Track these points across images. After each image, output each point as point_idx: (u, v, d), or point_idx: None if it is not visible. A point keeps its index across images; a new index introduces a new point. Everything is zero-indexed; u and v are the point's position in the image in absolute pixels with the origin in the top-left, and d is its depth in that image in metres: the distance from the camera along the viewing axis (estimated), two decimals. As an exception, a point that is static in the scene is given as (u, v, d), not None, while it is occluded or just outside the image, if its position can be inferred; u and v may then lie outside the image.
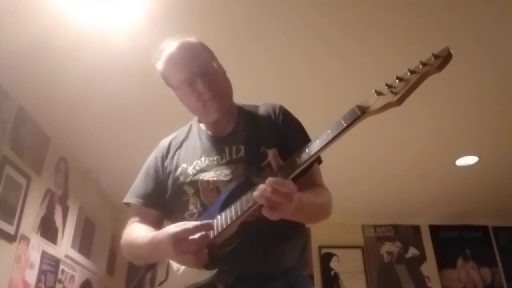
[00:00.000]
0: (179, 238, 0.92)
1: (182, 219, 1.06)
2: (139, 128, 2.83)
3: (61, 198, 3.05)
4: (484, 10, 2.00)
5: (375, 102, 0.82)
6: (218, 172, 1.11)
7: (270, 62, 2.33)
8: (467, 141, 3.15)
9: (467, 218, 4.57)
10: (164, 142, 1.31)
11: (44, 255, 2.75)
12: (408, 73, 0.80)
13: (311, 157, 0.88)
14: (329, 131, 0.86)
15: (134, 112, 2.69)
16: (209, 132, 1.24)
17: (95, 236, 3.80)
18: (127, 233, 1.18)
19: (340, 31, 2.13)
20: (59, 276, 2.96)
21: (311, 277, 4.24)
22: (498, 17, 2.04)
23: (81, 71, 2.30)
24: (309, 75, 2.44)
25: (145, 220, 1.19)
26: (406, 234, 4.62)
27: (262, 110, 1.25)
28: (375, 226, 4.62)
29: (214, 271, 0.93)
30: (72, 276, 3.18)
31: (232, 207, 0.96)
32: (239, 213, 0.93)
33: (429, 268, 4.44)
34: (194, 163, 1.16)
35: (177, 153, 1.24)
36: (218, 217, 0.97)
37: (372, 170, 3.54)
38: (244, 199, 0.94)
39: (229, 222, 0.94)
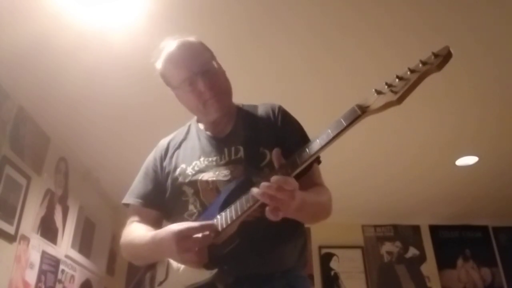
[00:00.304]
0: (183, 236, 0.93)
1: (182, 219, 1.06)
2: (139, 128, 2.83)
3: (61, 198, 3.05)
4: (484, 10, 2.00)
5: (375, 101, 0.82)
6: (217, 172, 1.11)
7: (270, 62, 2.33)
8: (467, 141, 3.15)
9: (467, 218, 4.57)
10: (163, 142, 1.31)
11: (44, 255, 2.75)
12: (408, 72, 0.80)
13: (311, 156, 0.88)
14: (329, 131, 0.86)
15: (134, 112, 2.69)
16: (208, 133, 1.24)
17: (95, 236, 3.81)
18: (127, 233, 1.18)
19: (340, 31, 2.13)
20: (59, 276, 2.96)
21: (311, 277, 4.24)
22: (498, 17, 2.04)
23: (81, 71, 2.30)
24: (309, 74, 2.44)
25: (144, 220, 1.19)
26: (406, 234, 4.62)
27: (261, 110, 1.24)
28: (375, 226, 4.62)
29: (214, 271, 0.93)
30: (72, 276, 3.18)
31: (232, 207, 0.96)
32: (239, 213, 0.93)
33: (429, 268, 4.44)
34: (193, 164, 1.16)
35: (176, 153, 1.24)
36: (218, 217, 0.97)
37: (372, 170, 3.54)
38: (244, 199, 0.94)
39: (229, 222, 0.94)
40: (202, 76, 1.14)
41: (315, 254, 4.39)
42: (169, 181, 1.19)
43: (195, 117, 1.32)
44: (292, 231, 1.11)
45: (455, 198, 4.09)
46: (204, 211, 1.06)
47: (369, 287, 4.30)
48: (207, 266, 0.94)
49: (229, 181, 1.08)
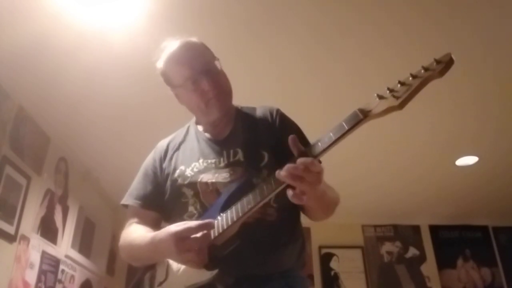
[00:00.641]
0: (181, 236, 0.93)
1: (181, 220, 1.06)
2: (139, 128, 2.83)
3: (61, 198, 3.05)
4: (484, 10, 2.00)
5: (377, 105, 0.83)
6: (216, 174, 1.11)
7: (270, 62, 2.33)
8: (467, 141, 3.15)
9: (467, 218, 4.57)
10: (162, 144, 1.31)
11: (44, 255, 2.75)
12: (410, 78, 0.81)
13: (314, 158, 0.88)
14: (331, 134, 0.86)
15: (134, 112, 2.69)
16: (207, 135, 1.24)
17: (95, 236, 3.81)
18: (126, 234, 1.18)
19: (340, 32, 2.13)
20: (59, 276, 2.96)
21: (311, 277, 4.24)
22: (498, 18, 2.04)
23: (81, 71, 2.30)
24: (309, 75, 2.44)
25: (143, 221, 1.19)
26: (406, 234, 4.62)
27: (259, 113, 1.25)
28: (375, 226, 4.62)
29: (215, 271, 0.93)
30: (72, 276, 3.18)
31: (233, 208, 0.96)
32: (240, 214, 0.93)
33: (429, 268, 4.44)
34: (192, 165, 1.16)
35: (175, 155, 1.24)
36: (219, 218, 0.97)
37: (372, 170, 3.54)
38: (245, 200, 0.94)
39: (230, 223, 0.94)
40: (205, 75, 1.14)
41: (315, 254, 4.40)
42: (169, 182, 1.19)
43: (193, 119, 1.32)
44: (291, 232, 1.11)
45: (455, 198, 4.09)
46: (204, 213, 1.06)
47: (369, 287, 4.30)
48: (208, 267, 0.94)
49: (228, 183, 1.08)
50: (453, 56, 0.79)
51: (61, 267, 2.99)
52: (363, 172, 3.56)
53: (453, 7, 1.99)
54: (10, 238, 2.37)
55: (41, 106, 2.60)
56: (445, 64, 0.78)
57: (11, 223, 2.39)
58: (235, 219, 0.94)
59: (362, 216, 4.46)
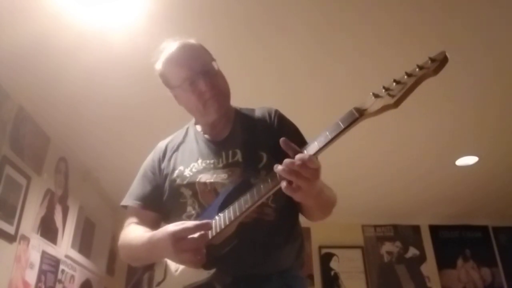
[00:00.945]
0: (178, 237, 0.93)
1: (180, 220, 1.06)
2: (139, 128, 2.83)
3: (61, 198, 3.05)
4: (484, 11, 2.00)
5: (372, 104, 0.84)
6: (215, 175, 1.12)
7: (269, 62, 2.33)
8: (467, 141, 3.15)
9: (467, 218, 4.57)
10: (161, 145, 1.32)
11: (44, 255, 2.75)
12: (405, 76, 0.82)
13: (311, 155, 0.88)
14: (327, 133, 0.87)
15: (134, 112, 2.70)
16: (206, 136, 1.25)
17: (95, 236, 3.81)
18: (124, 234, 1.19)
19: (340, 32, 2.13)
20: (59, 276, 2.96)
21: (311, 277, 4.25)
22: (498, 18, 2.04)
23: (81, 71, 2.30)
24: (308, 75, 2.44)
25: (142, 222, 1.20)
26: (406, 234, 4.62)
27: (258, 114, 1.26)
28: (375, 226, 4.62)
29: (212, 270, 0.94)
30: (72, 276, 3.18)
31: (231, 208, 0.96)
32: (238, 214, 0.94)
33: (429, 268, 4.44)
34: (191, 166, 1.17)
35: (174, 156, 1.24)
36: (217, 217, 0.98)
37: (372, 170, 3.54)
38: (242, 199, 0.95)
39: (227, 222, 0.95)
40: (203, 76, 1.15)
41: (315, 254, 4.40)
42: (167, 183, 1.19)
43: (193, 120, 1.33)
44: (290, 232, 1.11)
45: (455, 198, 4.09)
46: (202, 212, 1.07)
47: (369, 287, 4.30)
48: (206, 266, 0.94)
49: (227, 183, 1.08)
50: (447, 54, 0.79)
51: (61, 267, 3.00)
52: (363, 172, 3.56)
53: (453, 8, 1.99)
54: (10, 238, 2.37)
55: (41, 106, 2.60)
56: (439, 62, 0.79)
57: (11, 223, 2.39)
58: (232, 218, 0.94)
59: (362, 216, 4.46)
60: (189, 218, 1.09)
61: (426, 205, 4.27)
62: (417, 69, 0.81)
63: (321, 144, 0.87)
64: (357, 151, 3.16)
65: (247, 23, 2.08)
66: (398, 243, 4.57)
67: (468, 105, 2.72)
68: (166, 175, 1.21)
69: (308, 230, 4.31)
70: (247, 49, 2.23)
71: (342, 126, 0.85)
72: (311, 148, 0.88)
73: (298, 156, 0.85)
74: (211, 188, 1.10)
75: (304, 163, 0.84)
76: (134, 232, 1.15)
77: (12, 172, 2.42)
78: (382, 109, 0.82)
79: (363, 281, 4.31)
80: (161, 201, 1.20)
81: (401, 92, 0.80)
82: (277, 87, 2.51)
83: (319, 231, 4.25)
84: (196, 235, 0.93)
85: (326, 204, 1.07)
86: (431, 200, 4.12)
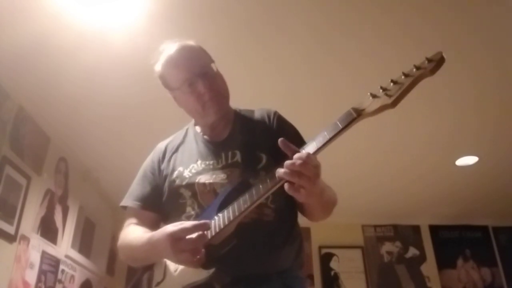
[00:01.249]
0: (177, 237, 0.93)
1: (179, 221, 1.07)
2: (139, 128, 2.83)
3: (61, 198, 3.05)
4: (484, 11, 2.00)
5: (370, 104, 0.84)
6: (214, 175, 1.12)
7: (269, 62, 2.33)
8: (467, 141, 3.15)
9: (467, 218, 4.57)
10: (161, 146, 1.32)
11: (44, 255, 2.75)
12: (402, 76, 0.83)
13: (309, 153, 0.88)
14: (325, 133, 0.87)
15: (134, 112, 2.70)
16: (205, 137, 1.25)
17: (95, 236, 3.81)
18: (124, 235, 1.19)
19: (340, 32, 2.13)
20: (59, 276, 2.96)
21: (311, 277, 4.25)
22: (497, 17, 2.04)
23: (81, 71, 2.30)
24: (308, 75, 2.44)
25: (142, 222, 1.20)
26: (406, 234, 4.62)
27: (257, 115, 1.26)
28: (375, 226, 4.62)
29: (211, 270, 0.94)
30: (72, 276, 3.19)
31: (230, 208, 0.97)
32: (237, 213, 0.94)
33: (429, 268, 4.44)
34: (190, 167, 1.17)
35: (173, 156, 1.25)
36: (216, 217, 0.98)
37: (372, 170, 3.55)
38: (241, 199, 0.95)
39: (226, 222, 0.95)
40: (202, 78, 1.15)
41: (315, 254, 4.40)
42: (167, 183, 1.20)
43: (192, 121, 1.33)
44: (289, 233, 1.12)
45: (455, 198, 4.09)
46: (202, 213, 1.07)
47: (369, 287, 4.30)
48: (205, 266, 0.94)
49: (226, 183, 1.09)
50: (444, 55, 0.80)
51: (61, 267, 3.00)
52: (363, 172, 3.56)
53: (453, 8, 1.99)
54: (10, 238, 2.38)
55: (41, 106, 2.60)
56: (436, 63, 0.80)
57: (11, 223, 2.39)
58: (231, 218, 0.95)
59: (362, 216, 4.46)
60: (188, 218, 1.09)
61: (426, 205, 4.27)
62: (414, 69, 0.82)
63: (320, 144, 0.87)
64: (357, 151, 3.16)
65: (247, 23, 2.08)
66: (398, 243, 4.57)
67: (468, 105, 2.72)
68: (166, 176, 1.21)
69: (308, 230, 4.31)
70: (247, 49, 2.23)
71: (340, 126, 0.85)
72: (310, 148, 0.89)
73: (297, 156, 0.85)
74: (210, 189, 1.10)
75: (304, 162, 0.84)
76: (134, 233, 1.16)
77: (12, 172, 2.42)
78: (380, 109, 0.83)
79: (363, 281, 4.31)
80: (161, 202, 1.20)
81: (398, 92, 0.81)
82: (277, 87, 2.51)
83: (319, 231, 4.25)
84: (194, 235, 0.93)
85: (328, 203, 1.07)
86: (431, 200, 4.12)
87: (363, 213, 4.38)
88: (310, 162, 0.84)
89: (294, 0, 1.95)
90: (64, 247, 3.06)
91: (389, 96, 0.81)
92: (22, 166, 2.53)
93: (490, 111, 2.78)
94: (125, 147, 3.01)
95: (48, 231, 2.83)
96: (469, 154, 3.33)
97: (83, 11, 1.94)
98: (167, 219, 1.16)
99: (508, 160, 3.40)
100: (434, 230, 4.63)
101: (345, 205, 3.62)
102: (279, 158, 0.92)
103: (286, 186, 0.87)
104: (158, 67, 1.23)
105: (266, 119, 1.24)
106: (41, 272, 2.71)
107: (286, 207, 1.11)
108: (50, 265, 2.84)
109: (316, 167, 0.86)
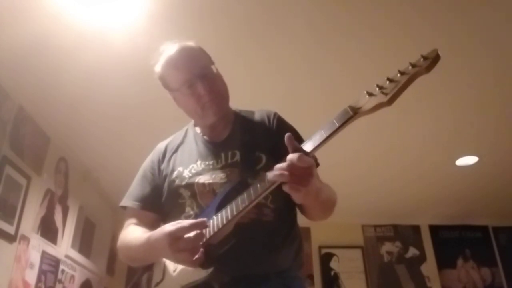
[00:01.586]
0: (174, 236, 0.93)
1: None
2: (139, 128, 2.83)
3: (61, 198, 3.05)
4: (484, 11, 1.99)
5: (366, 102, 0.84)
6: (213, 175, 1.12)
7: (269, 62, 2.33)
8: (467, 141, 3.15)
9: (467, 218, 4.57)
10: (160, 146, 1.32)
11: (44, 255, 2.75)
12: (398, 74, 0.83)
13: (301, 153, 0.88)
14: (322, 131, 0.87)
15: (134, 112, 2.70)
16: (205, 137, 1.25)
17: (95, 236, 3.81)
18: (123, 235, 1.19)
19: (340, 32, 2.13)
20: (59, 276, 2.96)
21: (311, 277, 4.25)
22: (497, 18, 2.04)
23: (81, 71, 2.30)
24: (308, 75, 2.44)
25: (141, 222, 1.20)
26: (406, 234, 4.62)
27: (257, 116, 1.27)
28: (375, 226, 4.62)
29: (210, 270, 0.94)
30: (72, 276, 3.19)
31: (228, 208, 0.97)
32: (235, 213, 0.94)
33: (429, 268, 4.44)
34: (190, 167, 1.18)
35: (173, 157, 1.25)
36: (214, 217, 0.98)
37: (372, 170, 3.54)
38: (239, 199, 0.95)
39: (224, 221, 0.95)
40: (201, 79, 1.15)
41: (315, 254, 4.40)
42: (166, 184, 1.20)
43: (192, 121, 1.33)
44: (288, 233, 1.12)
45: (455, 198, 4.09)
46: (201, 213, 1.07)
47: (369, 287, 4.30)
48: (204, 266, 0.94)
49: (225, 183, 1.09)
50: (439, 52, 0.80)
51: (61, 267, 3.00)
52: (363, 172, 3.56)
53: (453, 8, 1.99)
54: (10, 238, 2.38)
55: (41, 106, 2.60)
56: (431, 60, 0.80)
57: (11, 223, 2.39)
58: (229, 217, 0.95)
59: (362, 216, 4.46)
60: (187, 218, 1.09)
61: (426, 205, 4.27)
62: (410, 67, 0.82)
63: (317, 143, 0.88)
64: (357, 151, 3.16)
65: (247, 23, 2.08)
66: (398, 243, 4.57)
67: (468, 105, 2.72)
68: (165, 176, 1.21)
69: (308, 230, 4.31)
70: (247, 49, 2.23)
71: (337, 125, 0.85)
72: (307, 147, 0.89)
73: (288, 157, 0.86)
74: (210, 189, 1.11)
75: (292, 163, 0.84)
76: (133, 233, 1.16)
77: (12, 172, 2.42)
78: (376, 107, 0.83)
79: (363, 281, 4.31)
80: (160, 202, 1.20)
81: (394, 90, 0.81)
82: (277, 87, 2.51)
83: (319, 231, 4.25)
84: (192, 234, 0.93)
85: (327, 203, 1.07)
86: (431, 200, 4.12)
87: (363, 213, 4.38)
88: (301, 163, 0.84)
89: (294, 0, 1.95)
90: (64, 247, 3.06)
91: (385, 94, 0.82)
92: (22, 166, 2.53)
93: (490, 111, 2.78)
94: (125, 147, 3.01)
95: (48, 231, 2.83)
96: (469, 154, 3.33)
97: (83, 11, 1.94)
98: (167, 219, 1.16)
99: (508, 160, 3.40)
100: (434, 230, 4.63)
101: (345, 205, 3.63)
102: (279, 158, 0.93)
103: (283, 185, 0.87)
104: (158, 68, 1.23)
105: (266, 120, 1.24)
106: (41, 272, 2.71)
107: (285, 207, 1.11)
108: (50, 265, 2.84)
109: (308, 167, 0.86)
